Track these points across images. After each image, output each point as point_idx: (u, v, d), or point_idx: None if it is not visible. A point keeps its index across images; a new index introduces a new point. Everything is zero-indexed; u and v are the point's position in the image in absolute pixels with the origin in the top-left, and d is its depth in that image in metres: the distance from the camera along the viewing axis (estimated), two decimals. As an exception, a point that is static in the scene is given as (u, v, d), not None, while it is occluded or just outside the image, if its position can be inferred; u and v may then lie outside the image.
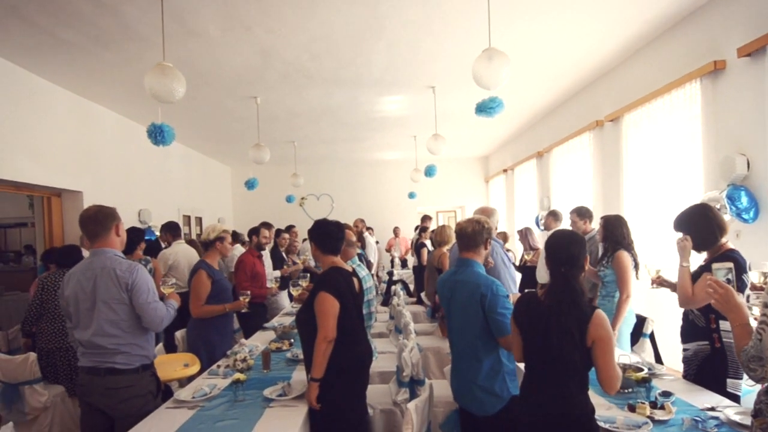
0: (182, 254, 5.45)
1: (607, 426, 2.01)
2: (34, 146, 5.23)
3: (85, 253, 5.18)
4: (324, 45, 4.88)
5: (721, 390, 2.43)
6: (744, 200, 3.67)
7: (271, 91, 6.23)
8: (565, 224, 5.53)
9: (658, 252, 4.68)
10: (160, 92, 3.57)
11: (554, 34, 4.86)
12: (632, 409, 2.17)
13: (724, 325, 2.48)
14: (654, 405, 2.18)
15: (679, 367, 2.83)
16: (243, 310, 3.97)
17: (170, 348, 4.25)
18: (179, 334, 4.16)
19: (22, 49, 4.61)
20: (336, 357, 2.51)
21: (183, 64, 4.91)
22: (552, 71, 6.03)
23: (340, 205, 12.25)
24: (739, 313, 1.55)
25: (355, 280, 2.77)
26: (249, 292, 3.92)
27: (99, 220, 2.62)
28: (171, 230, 5.74)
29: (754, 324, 1.46)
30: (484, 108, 4.13)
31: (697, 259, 2.82)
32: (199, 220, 9.90)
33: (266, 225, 5.48)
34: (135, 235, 4.66)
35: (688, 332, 2.63)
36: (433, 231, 6.02)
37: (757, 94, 3.64)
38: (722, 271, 1.79)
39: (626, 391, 2.43)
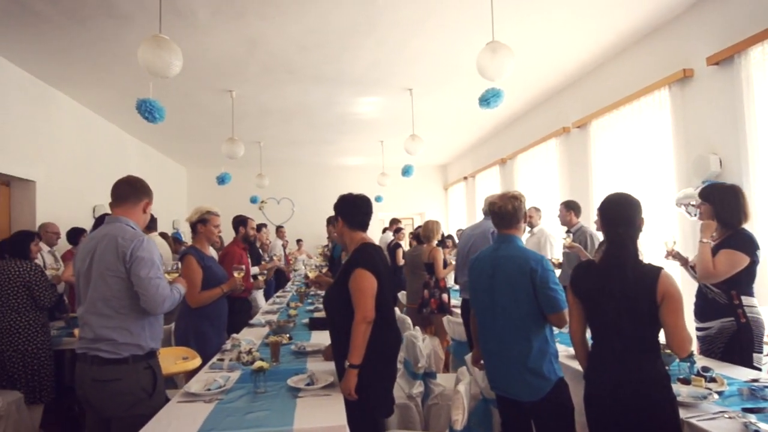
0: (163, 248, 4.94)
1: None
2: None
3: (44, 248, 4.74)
4: (314, 38, 4.77)
5: (747, 365, 2.51)
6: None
7: (248, 84, 6.00)
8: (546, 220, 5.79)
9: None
10: (156, 65, 3.30)
11: (527, 46, 4.97)
12: (685, 382, 2.18)
13: (747, 300, 2.60)
14: (704, 379, 2.18)
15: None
16: (240, 288, 3.53)
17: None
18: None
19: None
20: (371, 341, 2.32)
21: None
22: (520, 81, 6.13)
23: (301, 210, 11.98)
24: None
25: None
26: (243, 267, 3.54)
27: (135, 187, 2.50)
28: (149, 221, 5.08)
29: None
30: (484, 99, 4.30)
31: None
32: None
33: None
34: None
35: (709, 310, 2.70)
36: (418, 227, 5.97)
37: (728, 99, 3.95)
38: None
39: (666, 368, 2.45)
